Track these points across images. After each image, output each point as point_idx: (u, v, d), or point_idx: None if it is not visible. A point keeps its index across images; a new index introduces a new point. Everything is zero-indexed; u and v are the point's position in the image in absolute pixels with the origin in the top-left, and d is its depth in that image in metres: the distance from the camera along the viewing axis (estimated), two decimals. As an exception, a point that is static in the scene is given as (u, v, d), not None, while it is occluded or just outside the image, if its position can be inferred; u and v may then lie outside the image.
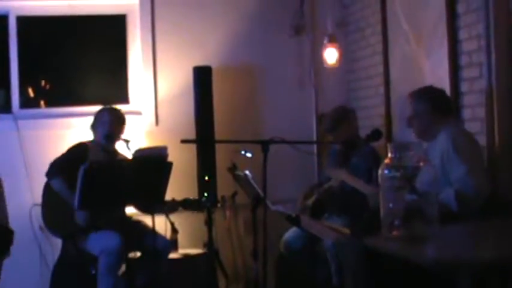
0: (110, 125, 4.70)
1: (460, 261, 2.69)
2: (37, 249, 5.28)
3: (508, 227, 3.24)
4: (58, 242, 4.71)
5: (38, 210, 4.87)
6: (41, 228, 5.14)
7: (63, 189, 4.43)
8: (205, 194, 5.10)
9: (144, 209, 4.65)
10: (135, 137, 5.22)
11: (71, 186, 4.28)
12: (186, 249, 5.19)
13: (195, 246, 5.25)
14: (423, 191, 2.95)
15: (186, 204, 4.83)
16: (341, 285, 4.30)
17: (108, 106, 4.87)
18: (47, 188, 4.57)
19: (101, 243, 4.39)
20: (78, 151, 4.61)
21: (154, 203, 4.36)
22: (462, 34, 4.28)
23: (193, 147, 5.36)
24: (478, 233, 3.24)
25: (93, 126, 4.77)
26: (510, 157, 3.94)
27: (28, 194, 5.20)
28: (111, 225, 4.43)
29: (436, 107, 3.80)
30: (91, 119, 4.81)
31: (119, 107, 5.46)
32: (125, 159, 4.69)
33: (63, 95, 5.76)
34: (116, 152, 4.79)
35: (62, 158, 4.55)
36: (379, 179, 2.97)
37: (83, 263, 4.51)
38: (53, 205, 4.54)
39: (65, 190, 4.40)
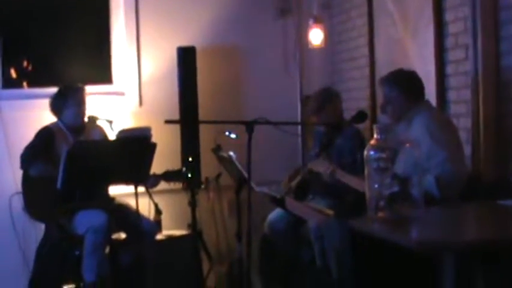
0: (79, 105, 4.61)
1: (444, 243, 2.71)
2: (15, 241, 5.19)
3: (490, 209, 3.25)
4: (41, 224, 4.69)
5: (18, 199, 4.82)
6: (23, 209, 5.09)
7: (43, 171, 4.38)
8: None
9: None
10: (119, 118, 5.18)
11: (49, 166, 4.26)
12: (169, 230, 5.18)
13: (178, 228, 5.24)
14: (407, 173, 2.96)
15: (167, 176, 4.78)
16: (324, 266, 4.31)
17: (69, 85, 4.75)
18: (26, 176, 4.52)
19: (87, 221, 4.35)
20: (45, 136, 4.54)
21: (138, 184, 4.32)
22: (448, 16, 4.28)
23: (177, 128, 5.34)
24: (461, 216, 3.25)
25: (58, 108, 4.64)
26: (494, 140, 3.95)
27: (10, 180, 5.04)
28: (96, 205, 4.40)
29: (407, 90, 3.78)
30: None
31: (103, 87, 5.42)
32: (107, 140, 4.66)
33: (46, 76, 5.68)
34: (84, 128, 4.69)
35: (32, 146, 4.48)
36: (365, 160, 2.97)
37: (66, 245, 4.49)
38: (34, 192, 4.49)
39: (47, 170, 4.35)
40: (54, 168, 4.16)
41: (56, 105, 4.66)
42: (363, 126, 4.46)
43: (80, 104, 4.62)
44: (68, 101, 4.62)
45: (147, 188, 4.59)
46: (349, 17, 5.61)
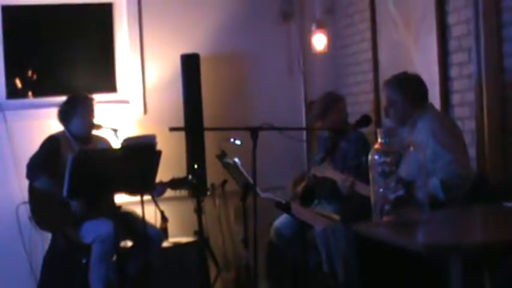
0: (88, 114, 4.62)
1: (450, 246, 2.70)
2: (22, 250, 5.20)
3: (496, 211, 3.25)
4: (47, 233, 4.70)
5: (25, 209, 4.84)
6: (29, 218, 5.11)
7: (49, 186, 4.40)
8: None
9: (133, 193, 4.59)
10: (124, 126, 5.19)
11: (54, 180, 4.28)
12: (176, 237, 5.19)
13: (185, 235, 5.24)
14: (411, 177, 2.95)
15: (173, 184, 4.77)
16: (331, 271, 4.30)
17: (78, 94, 4.75)
18: (32, 186, 4.53)
19: (93, 230, 4.36)
20: (51, 145, 4.55)
21: (143, 192, 4.33)
22: (451, 19, 4.28)
23: (182, 136, 5.35)
24: (466, 218, 3.25)
25: (66, 116, 4.63)
26: (498, 142, 3.95)
27: (16, 190, 5.07)
28: (102, 213, 4.41)
29: (411, 94, 3.77)
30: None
31: (108, 96, 5.44)
32: (113, 148, 4.67)
33: (50, 85, 5.70)
34: (91, 138, 4.70)
35: (38, 156, 4.50)
36: (369, 165, 2.97)
37: (73, 253, 4.50)
38: (40, 202, 4.50)
39: (51, 186, 4.37)
40: (60, 180, 4.16)
41: (65, 114, 4.65)
42: (367, 130, 4.46)
43: (89, 113, 4.62)
44: (76, 110, 4.61)
45: (153, 196, 4.59)
46: (352, 21, 5.61)
